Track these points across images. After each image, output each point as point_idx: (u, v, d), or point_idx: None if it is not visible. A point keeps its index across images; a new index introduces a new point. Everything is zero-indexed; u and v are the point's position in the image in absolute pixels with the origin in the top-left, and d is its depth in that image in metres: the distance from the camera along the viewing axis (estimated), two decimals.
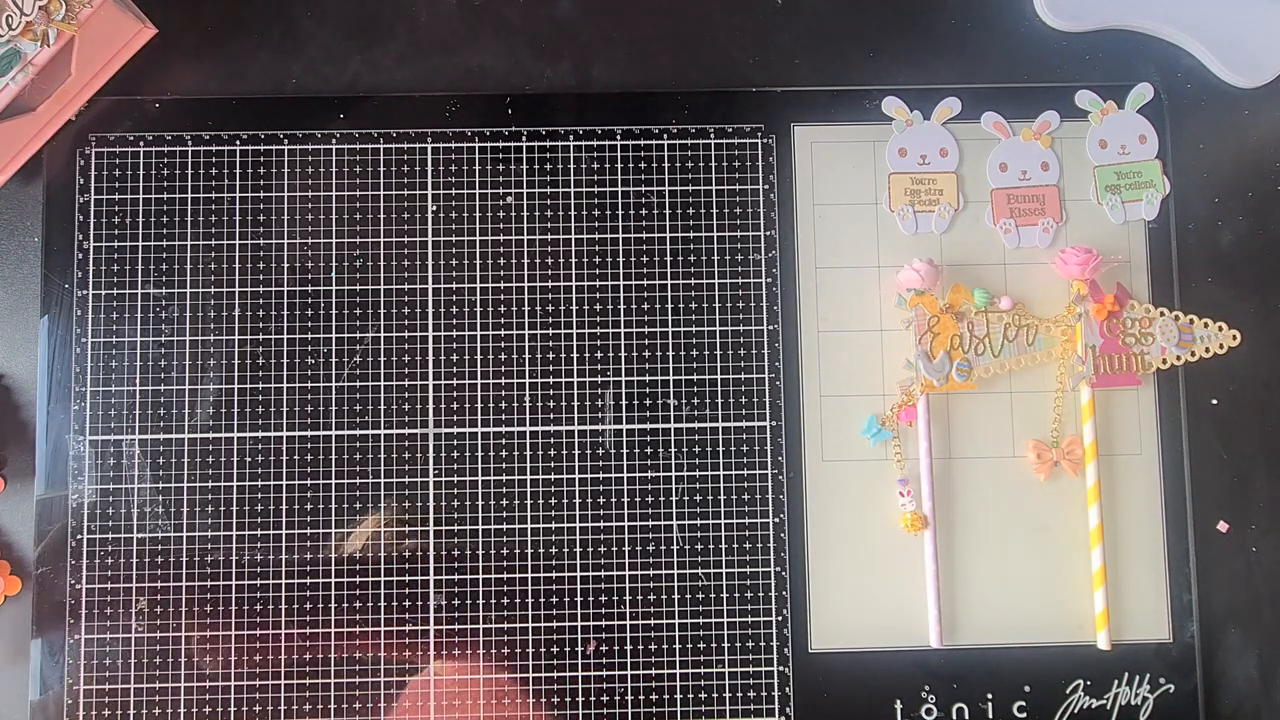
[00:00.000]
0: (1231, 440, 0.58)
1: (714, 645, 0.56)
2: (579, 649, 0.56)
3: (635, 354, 0.58)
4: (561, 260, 0.58)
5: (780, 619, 0.56)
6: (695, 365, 0.58)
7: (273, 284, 0.58)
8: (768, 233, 0.59)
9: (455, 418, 0.57)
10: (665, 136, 0.59)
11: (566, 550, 0.56)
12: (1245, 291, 0.59)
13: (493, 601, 0.56)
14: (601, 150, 0.59)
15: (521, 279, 0.58)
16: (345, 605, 0.56)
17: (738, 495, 0.57)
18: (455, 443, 0.57)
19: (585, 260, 0.58)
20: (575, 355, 0.58)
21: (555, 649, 0.56)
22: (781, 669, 0.56)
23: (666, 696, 0.56)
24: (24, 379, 0.57)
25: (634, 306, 0.58)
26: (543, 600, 0.56)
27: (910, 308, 0.58)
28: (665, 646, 0.56)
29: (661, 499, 0.57)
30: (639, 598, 0.56)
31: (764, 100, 0.60)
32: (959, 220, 0.59)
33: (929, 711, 0.56)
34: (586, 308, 0.58)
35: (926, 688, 0.56)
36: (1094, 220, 0.59)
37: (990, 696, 0.56)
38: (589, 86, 0.60)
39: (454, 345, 0.58)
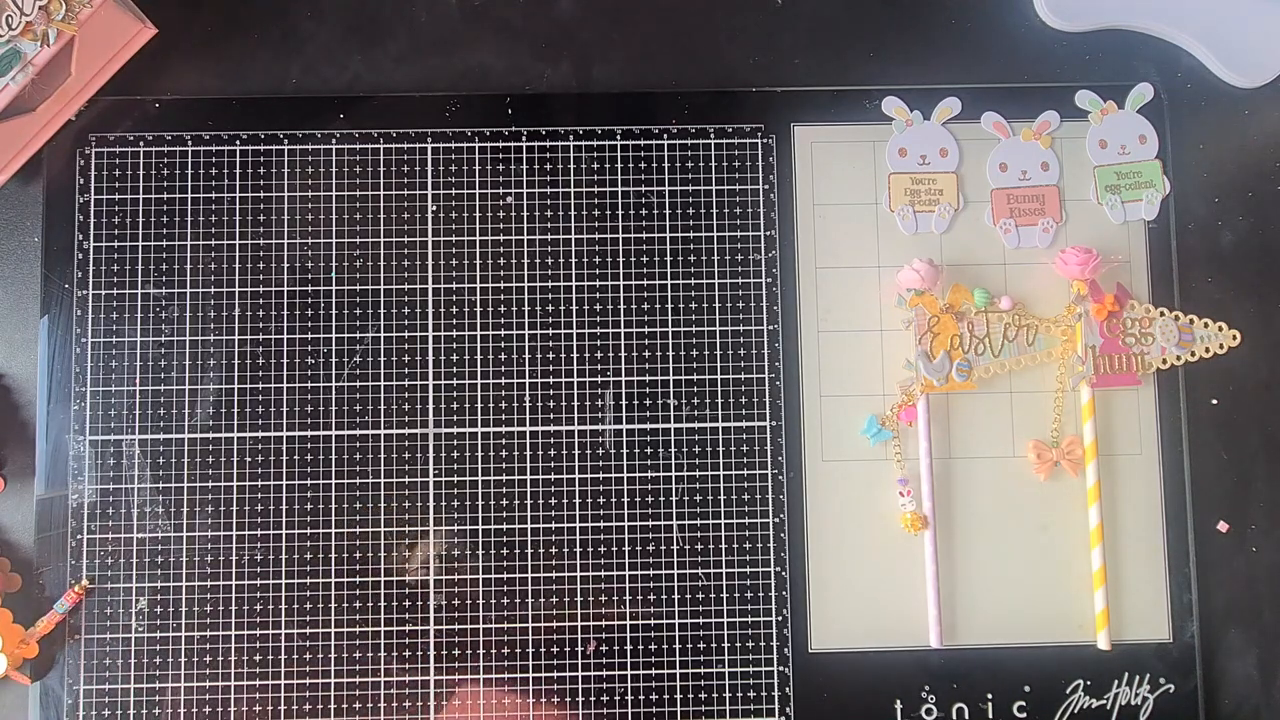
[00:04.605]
0: (1231, 440, 0.58)
1: (714, 645, 0.56)
2: (579, 649, 0.56)
3: (635, 354, 0.58)
4: (561, 260, 0.58)
5: (780, 619, 0.56)
6: (695, 365, 0.58)
7: (273, 284, 0.58)
8: (768, 233, 0.59)
9: (455, 418, 0.57)
10: (665, 136, 0.59)
11: (566, 550, 0.56)
12: (1245, 291, 0.59)
13: (493, 601, 0.56)
14: (601, 150, 0.59)
15: (521, 279, 0.58)
16: (345, 605, 0.56)
17: (738, 495, 0.57)
18: (455, 443, 0.57)
19: (585, 260, 0.58)
20: (575, 355, 0.58)
21: (555, 649, 0.56)
22: (781, 669, 0.56)
23: (666, 696, 0.55)
24: (24, 379, 0.57)
25: (634, 306, 0.58)
26: (543, 600, 0.56)
27: (910, 308, 0.58)
28: (665, 646, 0.56)
29: (661, 499, 0.57)
30: (639, 598, 0.56)
31: (764, 100, 0.60)
32: (959, 220, 0.59)
33: (929, 711, 0.56)
34: (586, 308, 0.58)
35: (926, 688, 0.56)
36: (1094, 220, 0.59)
37: (990, 696, 0.56)
38: (589, 86, 0.60)
39: (454, 345, 0.58)
